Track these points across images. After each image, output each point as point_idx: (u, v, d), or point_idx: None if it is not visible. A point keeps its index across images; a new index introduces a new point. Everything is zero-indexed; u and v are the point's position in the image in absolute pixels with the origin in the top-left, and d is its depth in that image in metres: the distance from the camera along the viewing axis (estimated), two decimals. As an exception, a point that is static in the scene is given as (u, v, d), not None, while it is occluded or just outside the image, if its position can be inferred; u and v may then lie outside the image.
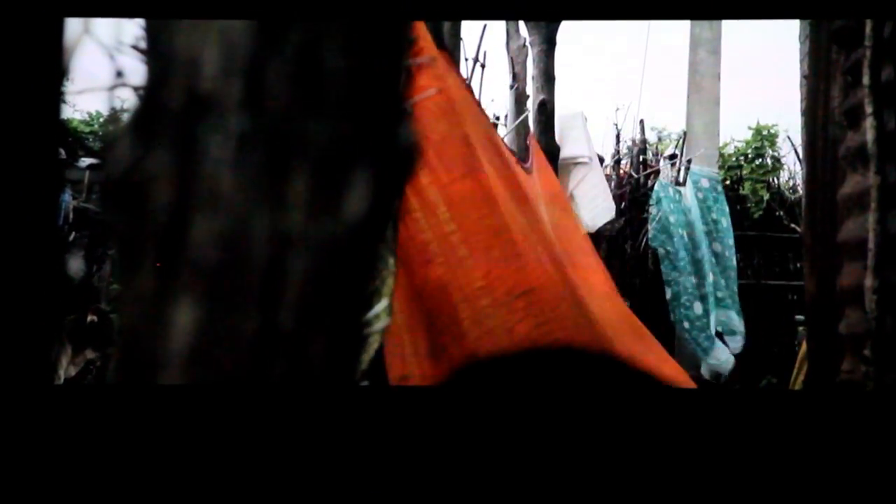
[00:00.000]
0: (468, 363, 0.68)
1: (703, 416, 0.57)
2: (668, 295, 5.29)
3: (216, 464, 0.44)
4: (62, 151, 0.58)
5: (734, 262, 5.89)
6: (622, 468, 0.55)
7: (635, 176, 6.33)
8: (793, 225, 6.86)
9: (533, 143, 3.80)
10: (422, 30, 2.11)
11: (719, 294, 5.51)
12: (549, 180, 3.57)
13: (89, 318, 3.41)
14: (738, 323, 5.57)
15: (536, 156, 3.58)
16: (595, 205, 4.94)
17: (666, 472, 0.53)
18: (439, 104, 2.14)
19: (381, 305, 0.97)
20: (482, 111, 2.59)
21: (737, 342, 5.56)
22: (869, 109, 1.27)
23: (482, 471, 0.53)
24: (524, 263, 2.24)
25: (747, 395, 2.10)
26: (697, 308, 5.23)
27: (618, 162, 6.70)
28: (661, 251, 5.37)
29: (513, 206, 2.38)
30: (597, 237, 5.83)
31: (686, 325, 5.19)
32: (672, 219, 5.38)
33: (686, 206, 5.53)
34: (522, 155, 3.85)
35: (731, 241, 5.86)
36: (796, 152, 6.97)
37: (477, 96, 3.73)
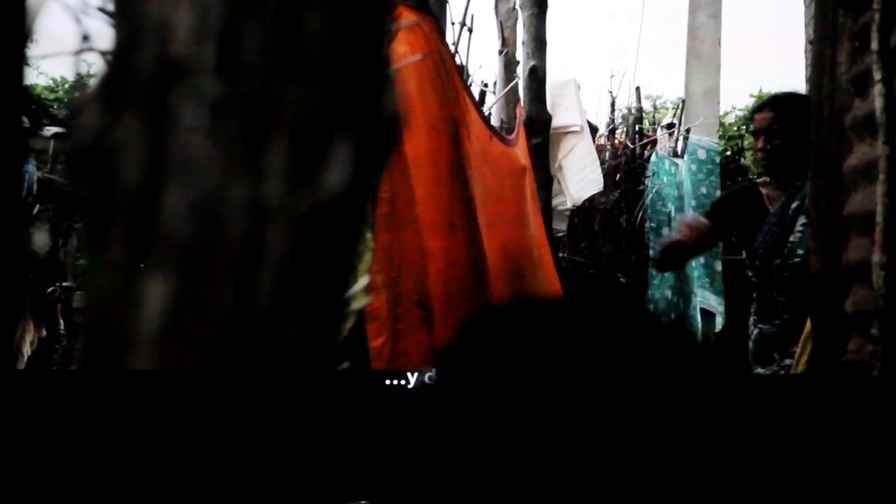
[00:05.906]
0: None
1: (701, 403, 0.55)
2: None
3: (189, 452, 0.43)
4: (26, 119, 0.55)
5: (716, 240, 5.82)
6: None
7: (631, 146, 6.26)
8: (797, 197, 6.83)
9: (518, 111, 3.76)
10: None
11: (696, 273, 5.46)
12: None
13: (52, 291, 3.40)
14: (716, 303, 5.49)
15: (520, 126, 3.54)
16: (583, 176, 4.92)
17: (660, 465, 0.52)
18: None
19: (360, 284, 0.95)
20: (452, 85, 2.51)
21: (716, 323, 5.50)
22: (877, 76, 1.24)
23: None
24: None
25: (749, 378, 2.10)
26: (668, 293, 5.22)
27: (612, 131, 6.63)
28: (651, 226, 5.34)
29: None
30: (591, 210, 5.80)
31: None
32: (664, 193, 5.33)
33: (680, 179, 5.48)
34: (511, 124, 3.80)
35: (717, 217, 5.78)
36: (801, 121, 6.90)
37: (463, 62, 3.67)
